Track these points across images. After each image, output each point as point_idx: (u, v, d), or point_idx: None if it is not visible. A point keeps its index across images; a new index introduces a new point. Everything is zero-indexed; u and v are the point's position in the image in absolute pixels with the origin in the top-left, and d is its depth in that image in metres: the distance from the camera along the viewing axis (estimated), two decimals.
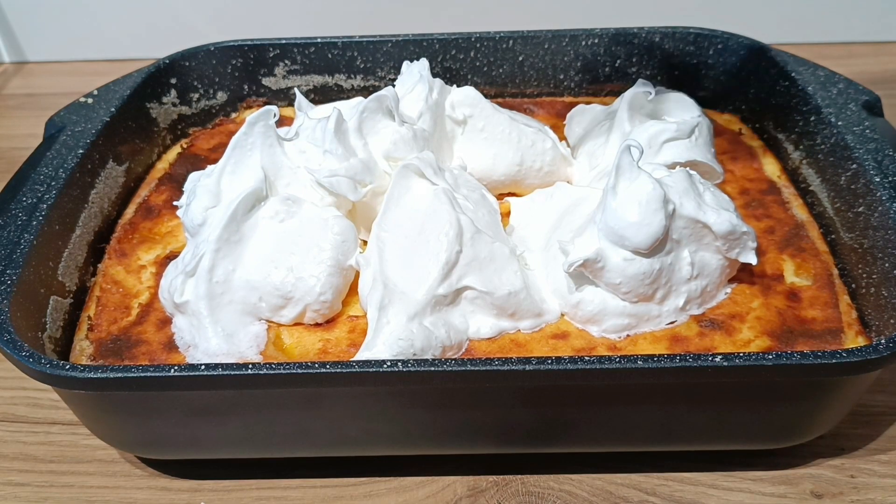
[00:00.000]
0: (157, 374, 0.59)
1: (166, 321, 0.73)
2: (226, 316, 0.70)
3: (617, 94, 0.89)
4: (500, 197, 0.84)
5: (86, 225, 0.81)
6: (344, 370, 0.59)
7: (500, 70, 1.03)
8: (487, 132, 0.85)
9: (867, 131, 0.79)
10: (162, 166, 0.96)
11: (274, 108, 0.78)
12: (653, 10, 1.31)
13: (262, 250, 0.72)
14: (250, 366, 0.59)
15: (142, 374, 0.59)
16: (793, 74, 0.90)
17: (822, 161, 0.83)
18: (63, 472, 0.74)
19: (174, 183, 0.90)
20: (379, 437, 0.68)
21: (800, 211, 0.83)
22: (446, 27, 1.05)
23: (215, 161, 0.80)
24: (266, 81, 1.04)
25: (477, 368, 0.59)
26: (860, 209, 0.75)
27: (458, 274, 0.69)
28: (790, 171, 0.89)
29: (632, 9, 1.32)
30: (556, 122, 0.95)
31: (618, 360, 0.59)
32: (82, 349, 0.72)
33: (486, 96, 0.86)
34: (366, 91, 1.03)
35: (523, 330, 0.71)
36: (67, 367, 0.60)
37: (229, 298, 0.71)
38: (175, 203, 0.83)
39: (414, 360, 0.62)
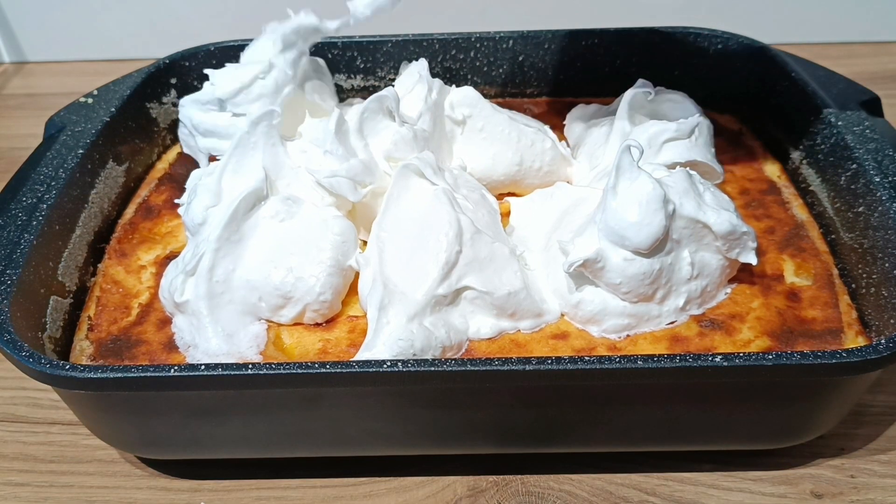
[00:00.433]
0: (157, 374, 0.59)
1: (166, 321, 0.73)
2: (226, 316, 0.70)
3: (617, 94, 0.88)
4: (500, 197, 0.84)
5: (86, 225, 0.81)
6: (344, 370, 0.59)
7: (500, 70, 1.03)
8: (487, 132, 0.85)
9: (867, 131, 0.79)
10: (162, 166, 0.96)
11: (276, 108, 0.78)
12: (653, 10, 1.31)
13: (262, 250, 0.72)
14: (250, 366, 0.59)
15: (142, 374, 0.59)
16: (793, 74, 0.90)
17: (822, 161, 0.83)
18: (63, 472, 0.74)
19: (174, 183, 0.90)
20: (379, 437, 0.68)
21: (800, 211, 0.83)
22: (446, 27, 1.05)
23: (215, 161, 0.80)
24: None
25: (477, 368, 0.59)
26: (860, 209, 0.75)
27: (457, 274, 0.69)
28: (790, 171, 0.89)
29: (632, 9, 1.32)
30: (556, 122, 0.95)
31: (618, 360, 0.59)
32: (82, 349, 0.72)
33: (486, 96, 0.86)
34: (365, 91, 1.03)
35: (523, 330, 0.71)
36: (67, 367, 0.60)
37: (229, 298, 0.71)
38: (176, 201, 0.83)
39: (414, 360, 0.62)
